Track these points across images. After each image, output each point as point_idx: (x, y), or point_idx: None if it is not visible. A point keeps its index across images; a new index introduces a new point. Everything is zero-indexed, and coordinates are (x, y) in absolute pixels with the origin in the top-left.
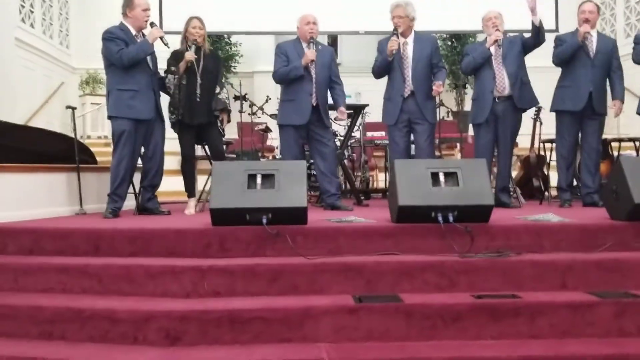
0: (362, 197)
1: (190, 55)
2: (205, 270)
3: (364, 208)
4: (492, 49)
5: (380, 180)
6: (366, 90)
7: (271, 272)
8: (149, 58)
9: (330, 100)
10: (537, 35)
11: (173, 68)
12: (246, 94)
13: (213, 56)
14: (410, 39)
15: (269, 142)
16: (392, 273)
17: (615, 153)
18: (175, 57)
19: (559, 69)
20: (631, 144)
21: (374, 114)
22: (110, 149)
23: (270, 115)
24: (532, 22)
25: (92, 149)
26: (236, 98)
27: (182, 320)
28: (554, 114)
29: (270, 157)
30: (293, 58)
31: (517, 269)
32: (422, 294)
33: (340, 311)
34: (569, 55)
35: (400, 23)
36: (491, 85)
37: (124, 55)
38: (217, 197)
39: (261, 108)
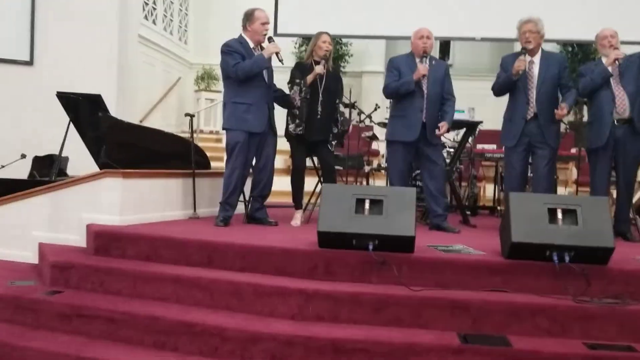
0: (469, 213)
1: (320, 68)
2: (311, 295)
3: (470, 229)
4: (611, 69)
5: (488, 191)
6: (478, 95)
7: (376, 302)
8: (265, 72)
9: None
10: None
11: (298, 80)
12: (355, 101)
13: (335, 75)
14: (537, 58)
15: (374, 146)
16: (501, 313)
17: None
18: (301, 69)
19: None
20: None
21: (487, 121)
22: (221, 144)
23: (378, 124)
24: None
25: (204, 144)
26: (345, 105)
27: (287, 345)
28: None
29: (376, 163)
30: (405, 73)
31: (635, 319)
32: (531, 337)
33: (445, 350)
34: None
35: (532, 39)
36: (610, 107)
37: (240, 69)
38: (325, 220)
39: (369, 116)
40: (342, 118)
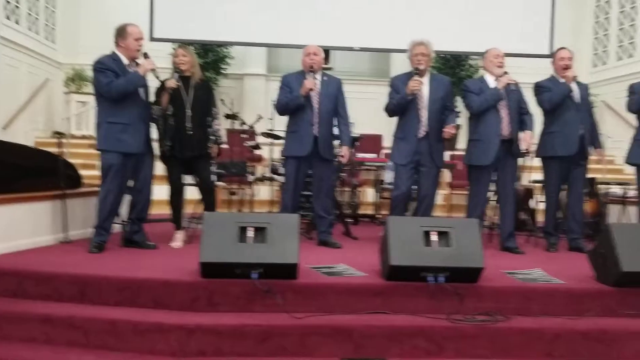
0: (351, 221)
1: (171, 82)
2: (192, 329)
3: (353, 243)
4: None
5: (369, 196)
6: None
7: (260, 332)
8: (141, 89)
9: (336, 131)
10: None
11: (156, 99)
12: (237, 113)
13: (204, 86)
14: (426, 79)
15: (257, 152)
16: (382, 336)
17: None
18: (163, 87)
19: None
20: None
21: (365, 125)
22: (94, 150)
23: (262, 134)
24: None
25: (76, 150)
26: (227, 117)
27: None
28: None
29: (259, 167)
30: (295, 89)
31: (505, 335)
32: (410, 359)
33: None
34: (560, 101)
35: (423, 61)
36: (497, 128)
37: (113, 88)
38: (208, 250)
39: (251, 127)
40: (215, 130)
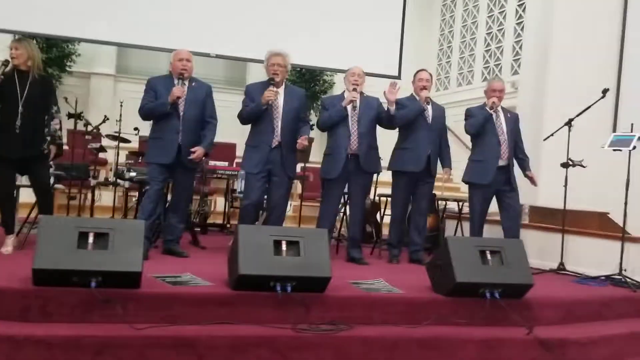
0: (199, 230)
1: None
2: (21, 341)
3: (201, 252)
4: (349, 109)
5: (219, 205)
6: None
7: (97, 344)
8: None
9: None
10: (391, 121)
11: None
12: (82, 112)
13: (43, 82)
14: (281, 89)
15: (102, 155)
16: (226, 347)
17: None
18: None
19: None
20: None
21: (217, 133)
22: None
23: (106, 136)
24: (388, 110)
25: None
26: (70, 116)
27: None
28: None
29: (103, 171)
30: (162, 94)
31: (348, 344)
32: None
33: None
34: (412, 118)
35: (279, 72)
36: (345, 143)
37: None
38: (42, 256)
39: (97, 128)
40: (53, 130)
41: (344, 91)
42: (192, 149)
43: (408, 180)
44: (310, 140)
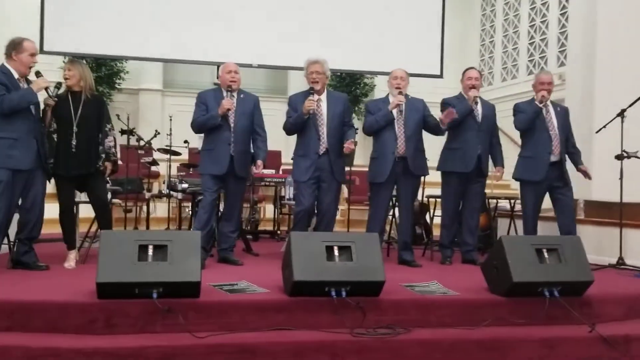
0: (251, 237)
1: (47, 99)
2: (89, 354)
3: (254, 259)
4: (395, 112)
5: (268, 212)
6: None
7: (161, 355)
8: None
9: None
10: (438, 132)
11: (41, 116)
12: (134, 128)
13: (95, 102)
14: (323, 96)
15: (154, 168)
16: (286, 353)
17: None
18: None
19: None
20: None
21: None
22: None
23: (158, 149)
24: (440, 122)
25: None
26: (123, 132)
27: None
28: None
29: (155, 183)
30: (212, 107)
31: (405, 347)
32: None
33: None
34: (460, 119)
35: (319, 79)
36: (392, 147)
37: (5, 102)
38: (105, 270)
39: (149, 142)
40: (108, 147)
41: (388, 94)
42: (257, 164)
43: (458, 180)
44: (355, 144)
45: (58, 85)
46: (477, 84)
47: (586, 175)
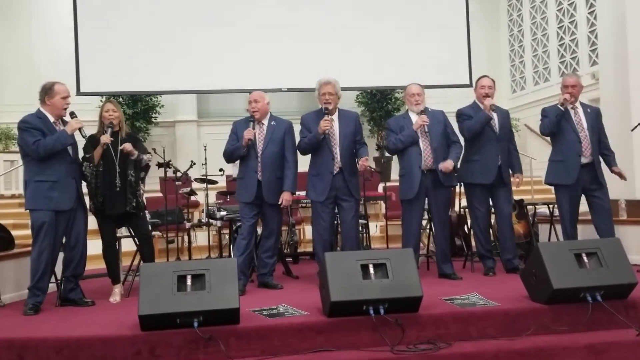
0: (290, 260)
1: (105, 137)
2: None
3: (294, 282)
4: (419, 131)
5: (307, 233)
6: None
7: None
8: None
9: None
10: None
11: (87, 155)
12: (170, 160)
13: (131, 139)
14: (335, 116)
15: (193, 198)
16: None
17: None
18: (92, 142)
19: None
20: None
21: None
22: (24, 210)
23: (195, 179)
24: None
25: (5, 210)
26: (160, 165)
27: None
28: None
29: (195, 212)
30: (241, 136)
31: None
32: None
33: None
34: (480, 129)
35: (331, 100)
36: (419, 161)
37: (41, 147)
38: (146, 303)
39: (186, 173)
40: (134, 179)
41: (407, 110)
42: (281, 199)
43: (482, 190)
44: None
45: (110, 125)
46: (491, 92)
47: (621, 176)
